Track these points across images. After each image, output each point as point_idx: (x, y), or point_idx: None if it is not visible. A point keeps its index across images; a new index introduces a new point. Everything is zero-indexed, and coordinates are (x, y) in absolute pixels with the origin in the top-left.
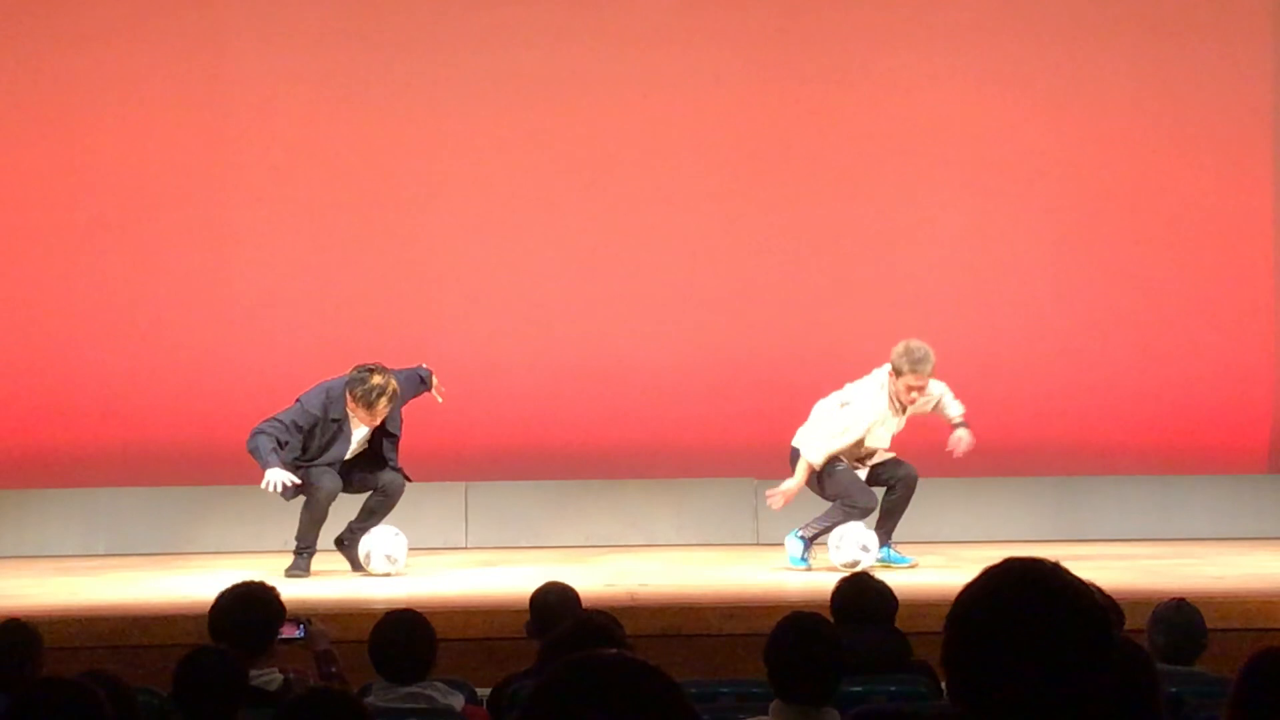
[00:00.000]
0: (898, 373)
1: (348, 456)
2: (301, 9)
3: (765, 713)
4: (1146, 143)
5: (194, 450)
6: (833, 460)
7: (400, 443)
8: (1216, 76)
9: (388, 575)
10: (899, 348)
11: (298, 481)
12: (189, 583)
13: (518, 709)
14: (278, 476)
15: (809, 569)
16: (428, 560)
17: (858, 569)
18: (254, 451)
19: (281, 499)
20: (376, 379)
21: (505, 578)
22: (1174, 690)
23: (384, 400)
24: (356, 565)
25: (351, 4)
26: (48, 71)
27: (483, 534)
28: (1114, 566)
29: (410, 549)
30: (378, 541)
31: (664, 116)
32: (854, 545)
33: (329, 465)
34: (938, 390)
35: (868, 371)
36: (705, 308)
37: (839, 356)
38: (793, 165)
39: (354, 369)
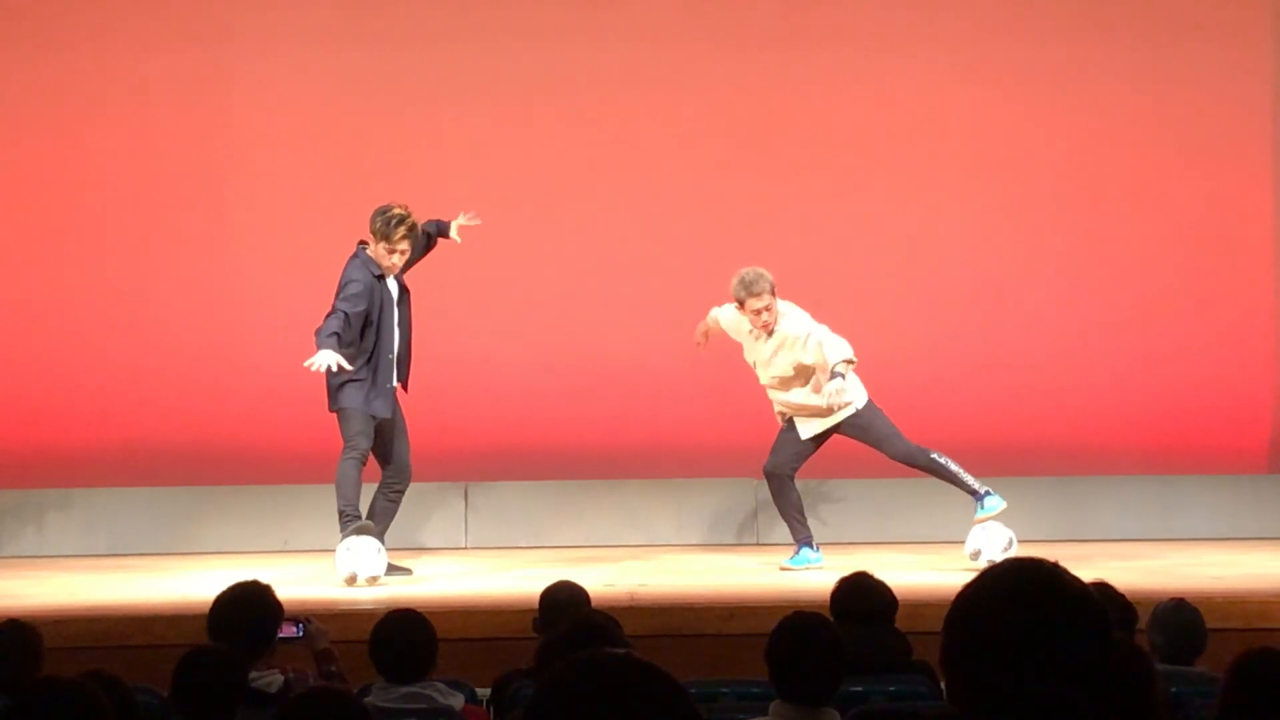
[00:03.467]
0: (740, 304)
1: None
2: (303, 9)
3: (765, 713)
4: (1147, 143)
5: (194, 450)
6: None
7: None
8: (1216, 76)
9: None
10: (733, 281)
11: (346, 366)
12: (189, 583)
13: (520, 709)
14: (328, 359)
15: (819, 567)
16: (428, 560)
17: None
18: (317, 333)
19: (357, 424)
20: (395, 209)
21: (505, 578)
22: (1174, 690)
23: (402, 229)
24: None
25: (352, 4)
26: (49, 71)
27: (483, 534)
28: (1114, 566)
29: (410, 549)
30: (362, 561)
31: (664, 116)
32: (971, 545)
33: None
34: (803, 328)
35: (865, 369)
36: (706, 308)
37: None
38: (793, 165)
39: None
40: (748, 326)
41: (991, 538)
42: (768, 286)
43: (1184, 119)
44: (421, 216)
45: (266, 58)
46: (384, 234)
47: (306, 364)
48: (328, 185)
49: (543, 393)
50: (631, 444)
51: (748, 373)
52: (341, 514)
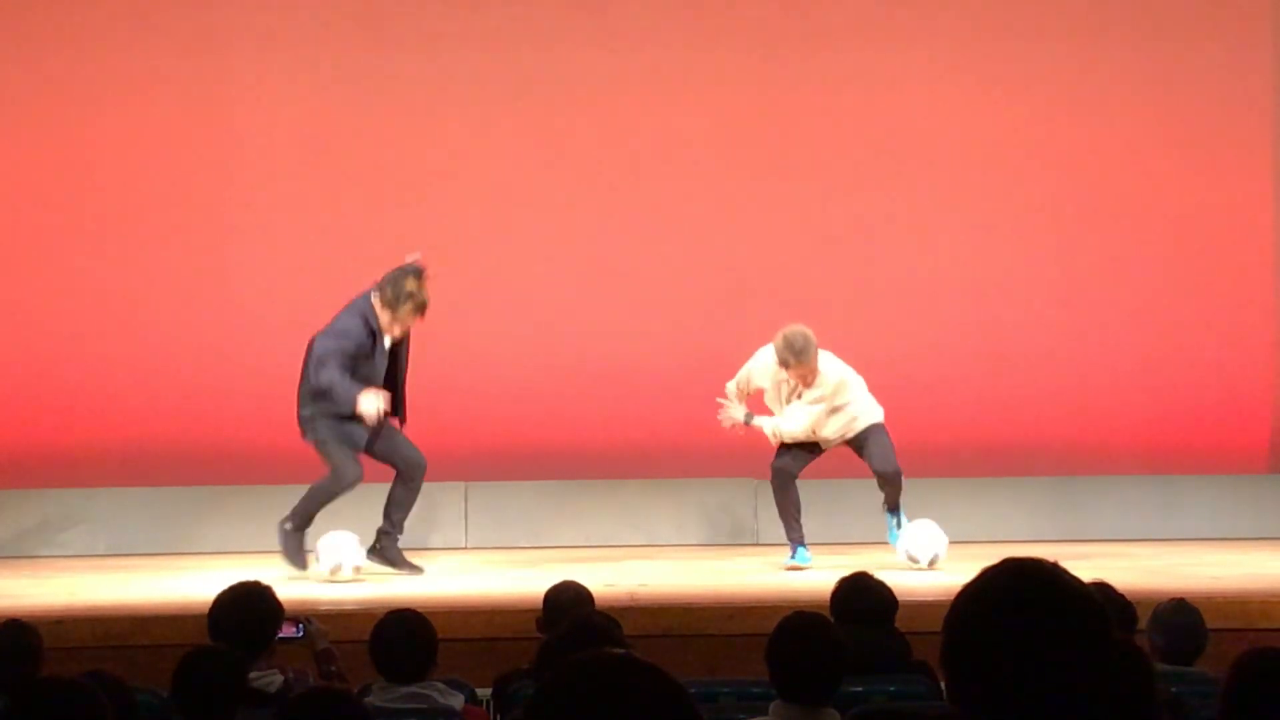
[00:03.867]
0: (784, 365)
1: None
2: (302, 9)
3: (765, 713)
4: (1147, 143)
5: (194, 450)
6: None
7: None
8: (1216, 76)
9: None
10: (778, 343)
11: (385, 409)
12: (189, 583)
13: (520, 709)
14: (373, 404)
15: (808, 567)
16: (428, 560)
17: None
18: (332, 386)
19: (343, 455)
20: (411, 283)
21: (505, 578)
22: (1174, 690)
23: (410, 306)
24: (393, 564)
25: (351, 4)
26: (48, 71)
27: (483, 534)
28: (1114, 566)
29: (410, 549)
30: (348, 554)
31: (664, 116)
32: (902, 553)
33: (361, 428)
34: (829, 380)
35: (865, 370)
36: (706, 307)
37: (839, 356)
38: (793, 165)
39: (389, 272)
40: (784, 375)
41: (931, 537)
42: (814, 351)
43: (1184, 119)
44: (423, 218)
45: (266, 58)
46: (391, 305)
47: (365, 414)
48: (327, 185)
49: (543, 393)
50: (631, 444)
51: None
52: (287, 519)
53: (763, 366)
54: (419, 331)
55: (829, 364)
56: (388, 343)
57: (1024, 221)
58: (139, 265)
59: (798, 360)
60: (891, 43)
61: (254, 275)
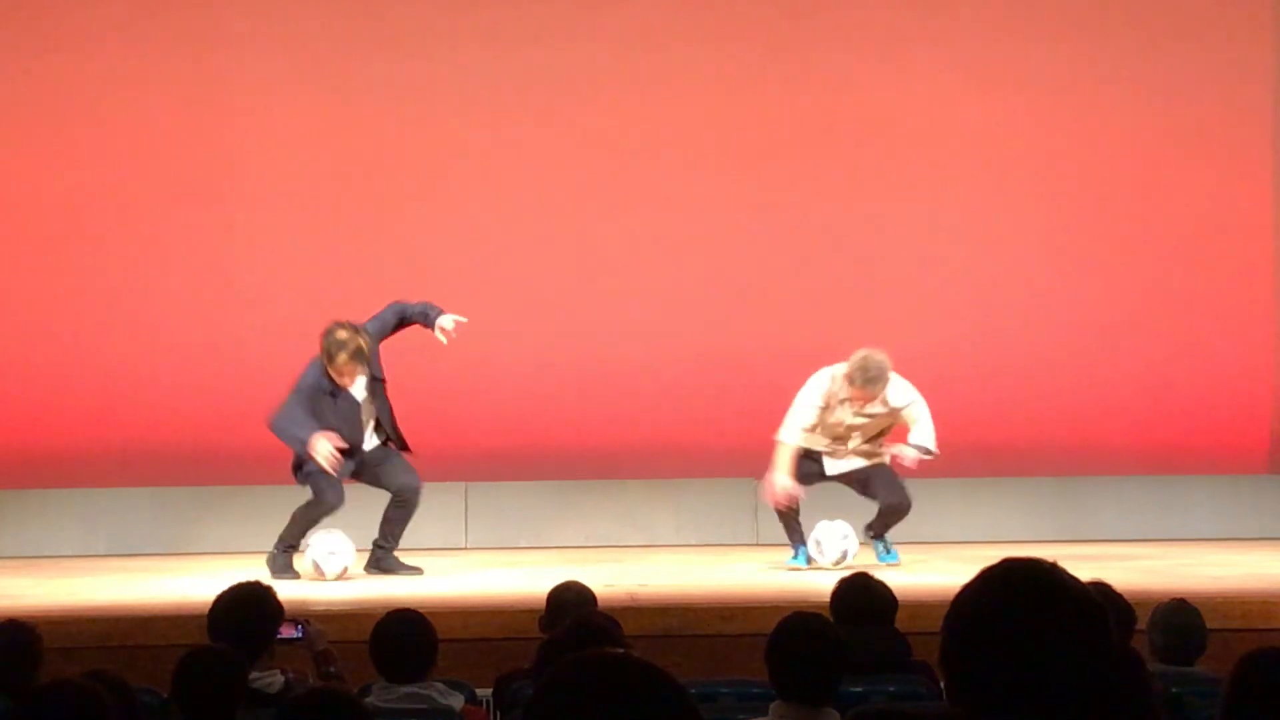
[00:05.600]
0: (852, 383)
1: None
2: (301, 9)
3: (765, 713)
4: (1147, 143)
5: (194, 450)
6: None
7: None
8: (1216, 77)
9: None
10: (853, 364)
11: (345, 445)
12: (189, 583)
13: (520, 709)
14: (324, 449)
15: (808, 568)
16: (428, 560)
17: (848, 561)
18: (282, 430)
19: (324, 481)
20: (340, 333)
21: (505, 578)
22: (1174, 690)
23: (344, 355)
24: (391, 573)
25: (351, 4)
26: (47, 72)
27: (483, 534)
28: (1114, 566)
29: (410, 549)
30: (340, 552)
31: (664, 116)
32: (836, 540)
33: (345, 458)
34: (904, 399)
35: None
36: (706, 307)
37: (839, 356)
38: (793, 165)
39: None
40: (843, 396)
41: (842, 536)
42: (888, 379)
43: (1185, 120)
44: (423, 218)
45: (265, 60)
46: (328, 355)
47: (317, 459)
48: (326, 186)
49: (543, 393)
50: (631, 444)
51: (747, 372)
52: (275, 545)
53: (819, 398)
54: (419, 332)
55: (897, 381)
56: (361, 394)
57: (1024, 222)
58: (139, 266)
59: (871, 385)
60: (893, 45)
61: (254, 275)
